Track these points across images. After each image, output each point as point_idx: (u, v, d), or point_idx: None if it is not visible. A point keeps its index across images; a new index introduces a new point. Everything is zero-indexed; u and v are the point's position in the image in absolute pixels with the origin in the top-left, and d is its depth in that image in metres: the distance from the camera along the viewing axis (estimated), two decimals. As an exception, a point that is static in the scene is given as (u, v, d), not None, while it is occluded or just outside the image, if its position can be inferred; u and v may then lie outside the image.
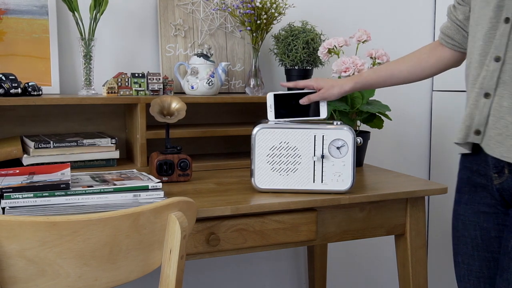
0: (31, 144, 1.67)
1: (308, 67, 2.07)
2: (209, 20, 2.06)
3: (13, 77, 1.67)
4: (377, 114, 1.96)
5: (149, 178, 1.44)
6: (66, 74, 1.92)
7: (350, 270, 2.47)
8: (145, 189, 1.35)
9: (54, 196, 1.27)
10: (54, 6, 1.85)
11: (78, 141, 1.72)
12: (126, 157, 1.92)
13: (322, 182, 1.51)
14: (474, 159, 1.32)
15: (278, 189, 1.52)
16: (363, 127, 2.06)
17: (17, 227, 0.97)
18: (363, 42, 1.97)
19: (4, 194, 1.23)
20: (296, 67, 2.06)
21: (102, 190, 1.31)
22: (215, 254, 1.45)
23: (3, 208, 1.23)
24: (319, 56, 1.99)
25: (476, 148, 1.31)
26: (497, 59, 1.23)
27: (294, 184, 1.51)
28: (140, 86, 1.82)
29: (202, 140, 2.04)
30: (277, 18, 1.97)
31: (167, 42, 2.00)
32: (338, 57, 1.92)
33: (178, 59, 2.01)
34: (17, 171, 1.43)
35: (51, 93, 1.83)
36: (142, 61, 2.02)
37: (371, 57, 1.94)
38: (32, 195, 1.25)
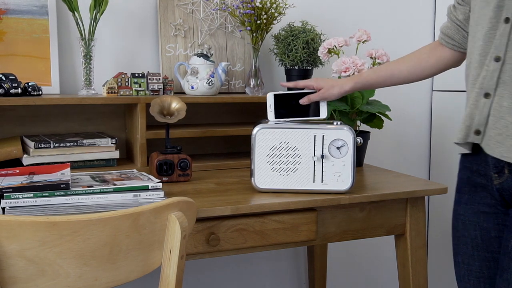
0: (31, 144, 1.67)
1: (308, 67, 2.07)
2: (209, 20, 2.06)
3: (13, 77, 1.67)
4: (377, 114, 1.96)
5: (149, 178, 1.44)
6: (66, 74, 1.92)
7: (350, 270, 2.47)
8: (145, 189, 1.35)
9: (54, 196, 1.27)
10: (54, 6, 1.85)
11: (78, 141, 1.72)
12: (126, 157, 1.92)
13: (322, 182, 1.51)
14: (474, 159, 1.32)
15: (278, 189, 1.52)
16: (363, 127, 2.06)
17: (17, 227, 0.97)
18: (363, 42, 1.97)
19: (4, 194, 1.23)
20: (296, 67, 2.06)
21: (102, 190, 1.31)
22: (215, 254, 1.45)
23: (3, 208, 1.23)
24: (319, 56, 1.99)
25: (476, 148, 1.31)
26: (497, 59, 1.23)
27: (294, 184, 1.51)
28: (140, 86, 1.82)
29: (202, 140, 2.04)
30: (277, 18, 1.97)
31: (167, 42, 2.00)
32: (338, 57, 1.92)
33: (178, 59, 2.01)
34: (17, 171, 1.43)
35: (51, 93, 1.83)
36: (142, 61, 2.02)
37: (371, 57, 1.94)
38: (32, 195, 1.25)
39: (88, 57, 1.82)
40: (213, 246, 1.41)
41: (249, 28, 1.95)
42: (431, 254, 2.54)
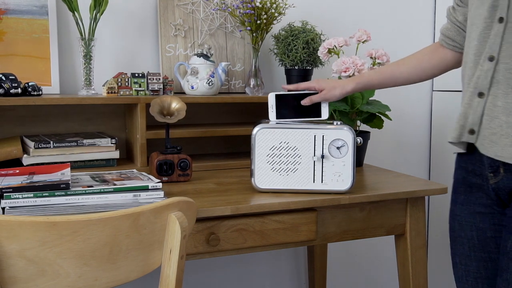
0: (31, 144, 1.67)
1: (308, 67, 2.07)
2: (209, 20, 2.06)
3: (13, 77, 1.67)
4: (377, 114, 1.96)
5: (149, 178, 1.44)
6: (66, 74, 1.92)
7: (350, 270, 2.47)
8: (145, 189, 1.35)
9: (54, 196, 1.27)
10: (54, 6, 1.85)
11: (78, 141, 1.72)
12: (126, 157, 1.92)
13: (322, 182, 1.51)
14: (469, 159, 1.33)
15: (278, 189, 1.52)
16: (363, 127, 2.06)
17: (17, 227, 0.97)
18: (363, 42, 1.96)
19: (4, 194, 1.23)
20: (296, 67, 2.06)
21: (102, 190, 1.31)
22: (215, 254, 1.45)
23: (3, 208, 1.23)
24: (319, 56, 1.99)
25: (471, 148, 1.31)
26: (491, 59, 1.23)
27: (294, 184, 1.51)
28: (140, 86, 1.82)
29: (202, 140, 2.04)
30: (277, 18, 1.97)
31: (167, 42, 2.00)
32: (338, 57, 1.92)
33: (178, 59, 2.01)
34: (17, 171, 1.43)
35: (51, 93, 1.83)
36: (142, 61, 2.02)
37: (371, 57, 1.94)
38: (32, 195, 1.25)
39: (88, 57, 1.82)
40: (213, 246, 1.41)
41: (249, 28, 1.95)
42: (431, 254, 2.54)
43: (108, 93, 1.79)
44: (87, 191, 1.29)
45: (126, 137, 1.93)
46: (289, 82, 2.10)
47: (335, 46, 1.94)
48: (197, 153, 2.03)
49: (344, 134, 1.50)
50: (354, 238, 1.61)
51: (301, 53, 2.02)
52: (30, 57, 1.82)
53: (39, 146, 1.66)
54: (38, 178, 1.33)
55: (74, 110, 1.88)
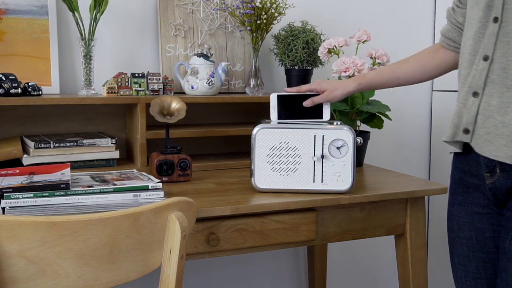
0: (31, 144, 1.67)
1: (308, 67, 2.07)
2: (209, 20, 2.06)
3: (13, 77, 1.67)
4: (377, 114, 1.96)
5: (149, 178, 1.44)
6: (66, 74, 1.92)
7: (350, 270, 2.47)
8: (145, 189, 1.35)
9: (54, 196, 1.27)
10: (54, 6, 1.85)
11: (78, 141, 1.72)
12: (126, 157, 1.92)
13: (322, 182, 1.51)
14: (466, 159, 1.33)
15: (278, 189, 1.52)
16: (363, 127, 2.06)
17: (17, 227, 0.97)
18: (363, 42, 1.96)
19: (4, 194, 1.23)
20: (296, 67, 2.06)
21: (102, 190, 1.31)
22: (215, 254, 1.45)
23: (3, 208, 1.23)
24: (319, 56, 1.99)
25: (467, 148, 1.31)
26: (485, 58, 1.24)
27: (294, 184, 1.51)
28: (140, 86, 1.82)
29: (202, 140, 2.04)
30: (277, 18, 1.97)
31: (167, 42, 2.00)
32: (338, 57, 1.92)
33: (178, 59, 2.01)
34: (17, 171, 1.43)
35: (51, 93, 1.83)
36: (142, 61, 2.02)
37: (371, 57, 1.94)
38: (32, 195, 1.25)
39: (88, 57, 1.82)
40: (213, 246, 1.41)
41: (249, 28, 1.95)
42: (431, 254, 2.54)
43: (108, 93, 1.79)
44: (87, 191, 1.29)
45: (126, 137, 1.93)
46: (289, 82, 2.11)
47: (335, 46, 1.94)
48: (197, 153, 2.03)
49: (344, 134, 1.50)
50: (354, 238, 1.61)
51: (301, 53, 2.02)
52: (30, 57, 1.82)
53: (39, 146, 1.66)
54: (38, 178, 1.33)
55: (74, 110, 1.88)
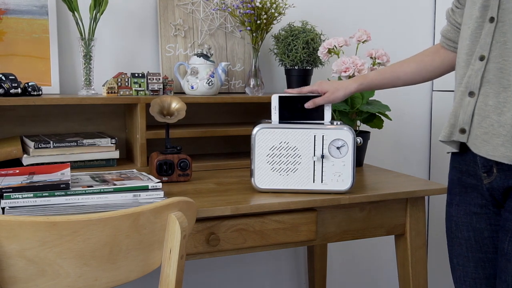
0: (31, 144, 1.67)
1: (308, 67, 2.07)
2: (209, 20, 2.06)
3: (13, 77, 1.67)
4: (377, 114, 1.96)
5: (149, 178, 1.44)
6: (66, 74, 1.92)
7: (350, 270, 2.47)
8: (145, 189, 1.35)
9: (54, 196, 1.27)
10: (54, 6, 1.85)
11: (78, 141, 1.72)
12: (126, 157, 1.92)
13: (322, 182, 1.51)
14: (463, 159, 1.33)
15: (278, 189, 1.52)
16: (363, 127, 2.06)
17: (17, 227, 0.97)
18: (363, 42, 1.96)
19: (4, 194, 1.23)
20: (296, 67, 2.06)
21: (102, 190, 1.31)
22: (215, 254, 1.45)
23: (3, 208, 1.23)
24: (319, 56, 1.99)
25: (464, 148, 1.31)
26: (481, 58, 1.24)
27: (294, 184, 1.51)
28: (140, 86, 1.82)
29: (202, 140, 2.04)
30: (277, 18, 1.97)
31: (167, 42, 2.00)
32: (338, 57, 1.92)
33: (178, 59, 2.01)
34: (17, 171, 1.43)
35: (51, 93, 1.83)
36: (142, 61, 2.02)
37: (371, 57, 1.94)
38: (32, 195, 1.25)
39: (88, 57, 1.82)
40: (213, 246, 1.41)
41: (249, 28, 1.95)
42: (431, 254, 2.54)
43: (108, 93, 1.79)
44: (87, 191, 1.29)
45: (126, 137, 1.93)
46: (289, 82, 2.11)
47: (335, 46, 1.94)
48: (197, 153, 2.03)
49: (344, 134, 1.50)
50: (354, 238, 1.61)
51: (301, 53, 2.02)
52: (30, 57, 1.82)
53: (39, 146, 1.66)
54: (38, 178, 1.33)
55: (74, 110, 1.88)
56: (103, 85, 1.81)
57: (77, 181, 1.38)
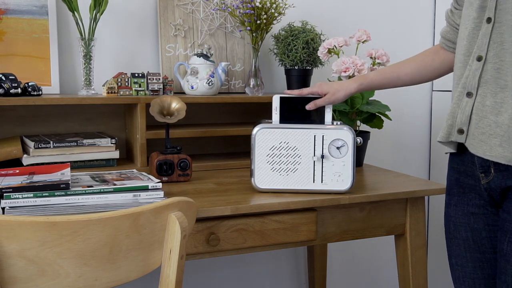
0: (31, 144, 1.67)
1: (308, 67, 2.07)
2: (209, 20, 2.06)
3: (13, 77, 1.67)
4: (377, 114, 1.96)
5: (149, 178, 1.44)
6: (66, 74, 1.92)
7: (350, 270, 2.47)
8: (145, 189, 1.35)
9: (54, 196, 1.27)
10: (54, 6, 1.85)
11: (78, 141, 1.72)
12: (126, 157, 1.92)
13: (322, 182, 1.51)
14: (461, 159, 1.33)
15: (278, 189, 1.52)
16: (363, 127, 2.06)
17: (17, 227, 0.97)
18: (363, 42, 1.96)
19: (4, 194, 1.23)
20: (296, 67, 2.06)
21: (102, 190, 1.31)
22: (215, 254, 1.45)
23: (3, 208, 1.23)
24: (319, 56, 1.99)
25: (462, 148, 1.31)
26: (479, 59, 1.24)
27: (294, 184, 1.51)
28: (140, 86, 1.82)
29: (202, 140, 2.04)
30: (277, 18, 1.97)
31: (167, 42, 2.00)
32: (338, 57, 1.92)
33: (178, 59, 2.01)
34: (17, 171, 1.43)
35: (51, 93, 1.83)
36: (142, 61, 2.02)
37: (371, 57, 1.94)
38: (32, 195, 1.25)
39: (88, 57, 1.82)
40: (213, 246, 1.41)
41: (249, 28, 1.95)
42: (431, 254, 2.54)
43: (108, 93, 1.79)
44: (87, 191, 1.29)
45: (126, 137, 1.93)
46: (289, 82, 2.11)
47: (335, 46, 1.94)
48: (197, 153, 2.03)
49: (344, 134, 1.50)
50: (354, 238, 1.61)
51: (301, 53, 2.02)
52: (30, 57, 1.82)
53: (39, 146, 1.66)
54: (38, 178, 1.33)
55: (74, 110, 1.88)
56: (103, 85, 1.81)
57: (77, 181, 1.38)
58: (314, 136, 1.50)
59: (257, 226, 1.45)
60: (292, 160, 1.51)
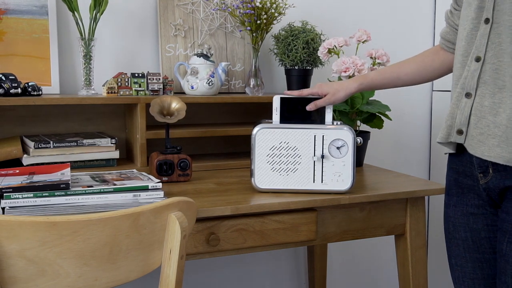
0: (31, 144, 1.67)
1: (308, 67, 2.07)
2: (209, 20, 2.06)
3: (13, 77, 1.67)
4: (377, 114, 1.96)
5: (149, 178, 1.44)
6: (66, 74, 1.92)
7: (350, 270, 2.47)
8: (145, 189, 1.35)
9: (54, 196, 1.27)
10: (54, 6, 1.85)
11: (78, 141, 1.72)
12: (126, 157, 1.92)
13: (322, 182, 1.51)
14: (460, 160, 1.33)
15: (278, 189, 1.52)
16: (363, 127, 2.06)
17: (17, 227, 0.97)
18: (363, 42, 1.96)
19: (4, 194, 1.23)
20: (296, 67, 2.06)
21: (102, 190, 1.31)
22: (215, 254, 1.45)
23: (3, 208, 1.23)
24: (319, 56, 1.99)
25: (461, 149, 1.31)
26: (477, 59, 1.24)
27: (294, 184, 1.51)
28: (140, 86, 1.82)
29: (202, 140, 2.04)
30: (277, 18, 1.97)
31: (167, 42, 2.00)
32: (338, 57, 1.92)
33: (178, 59, 2.01)
34: (17, 171, 1.43)
35: (51, 93, 1.83)
36: (142, 61, 2.02)
37: (371, 57, 1.94)
38: (32, 195, 1.25)
39: (88, 57, 1.82)
40: (213, 246, 1.41)
41: (249, 28, 1.95)
42: (431, 254, 2.54)
43: (108, 93, 1.79)
44: (87, 191, 1.29)
45: (126, 137, 1.93)
46: (289, 82, 2.11)
47: (335, 46, 1.94)
48: (197, 153, 2.03)
49: (344, 134, 1.50)
50: (354, 238, 1.61)
51: (301, 53, 2.02)
52: (30, 57, 1.82)
53: (39, 146, 1.66)
54: (38, 178, 1.33)
55: (74, 110, 1.88)
56: (103, 85, 1.81)
57: (77, 181, 1.38)
58: (314, 136, 1.50)
59: (257, 226, 1.45)
60: (292, 160, 1.51)
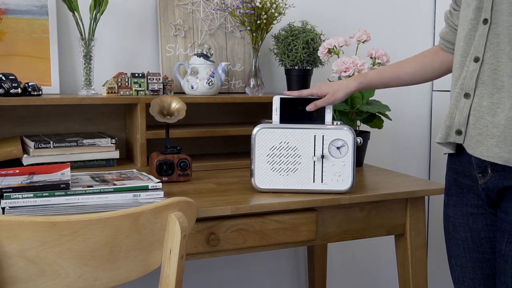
0: (31, 144, 1.67)
1: (308, 67, 2.07)
2: (209, 20, 2.06)
3: (13, 77, 1.67)
4: (377, 114, 1.96)
5: (149, 178, 1.44)
6: (66, 74, 1.92)
7: (350, 270, 2.47)
8: (145, 189, 1.35)
9: (54, 196, 1.27)
10: (54, 6, 1.85)
11: (78, 141, 1.72)
12: (126, 157, 1.92)
13: (322, 182, 1.51)
14: (459, 160, 1.33)
15: (278, 189, 1.52)
16: (363, 127, 2.06)
17: (17, 227, 0.97)
18: (363, 42, 1.97)
19: (4, 194, 1.23)
20: (296, 67, 2.06)
21: (102, 190, 1.31)
22: (215, 254, 1.45)
23: (3, 208, 1.23)
24: (319, 56, 1.99)
25: (460, 149, 1.32)
26: (476, 60, 1.25)
27: (294, 184, 1.51)
28: (140, 86, 1.82)
29: (202, 140, 2.04)
30: (277, 18, 1.97)
31: (167, 42, 2.00)
32: (338, 57, 1.92)
33: (178, 59, 2.01)
34: (17, 171, 1.43)
35: (51, 93, 1.83)
36: (142, 61, 2.02)
37: (371, 57, 1.94)
38: (32, 195, 1.25)
39: (88, 57, 1.82)
40: (213, 246, 1.41)
41: (249, 28, 1.95)
42: (431, 254, 2.54)
43: (108, 93, 1.79)
44: (87, 191, 1.29)
45: (126, 137, 1.93)
46: (289, 82, 2.11)
47: (335, 46, 1.94)
48: (197, 153, 2.03)
49: (344, 134, 1.50)
50: (354, 238, 1.61)
51: (301, 53, 2.02)
52: (30, 57, 1.82)
53: (39, 146, 1.66)
54: (38, 178, 1.33)
55: (74, 110, 1.88)
56: (103, 85, 1.81)
57: (77, 181, 1.38)
58: (314, 136, 1.50)
59: (257, 226, 1.45)
60: (292, 160, 1.51)
